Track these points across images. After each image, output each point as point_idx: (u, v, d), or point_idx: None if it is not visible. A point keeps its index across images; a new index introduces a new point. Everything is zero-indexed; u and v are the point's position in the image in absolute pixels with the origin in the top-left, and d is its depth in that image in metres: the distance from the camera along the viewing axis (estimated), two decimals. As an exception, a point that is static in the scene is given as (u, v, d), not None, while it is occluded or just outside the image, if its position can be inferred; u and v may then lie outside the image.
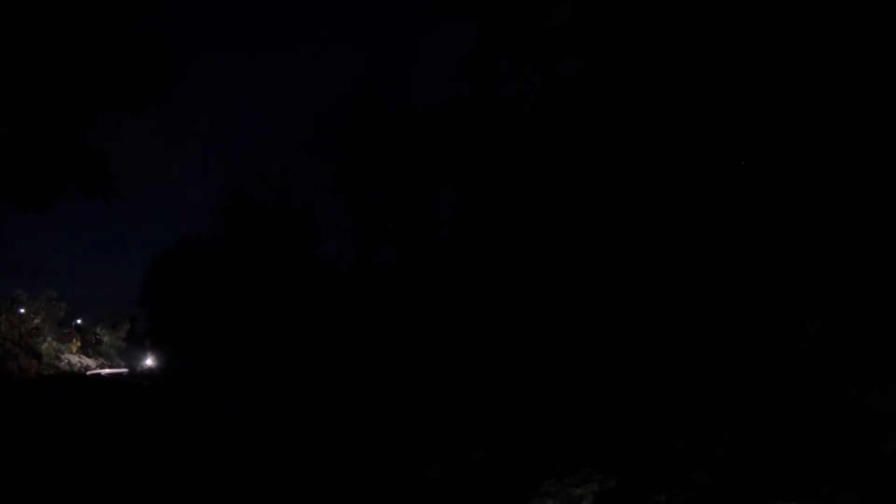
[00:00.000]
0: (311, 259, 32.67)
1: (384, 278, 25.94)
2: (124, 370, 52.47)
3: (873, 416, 8.57)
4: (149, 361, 51.48)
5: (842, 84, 11.02)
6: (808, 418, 9.24)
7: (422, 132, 24.88)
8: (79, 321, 58.78)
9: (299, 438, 16.78)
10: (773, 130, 12.19)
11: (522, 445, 12.25)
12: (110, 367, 56.20)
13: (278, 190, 34.28)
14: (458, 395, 16.15)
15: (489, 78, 20.84)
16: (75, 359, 50.57)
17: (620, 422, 11.58)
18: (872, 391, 8.78)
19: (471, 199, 21.70)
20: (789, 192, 11.31)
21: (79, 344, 53.85)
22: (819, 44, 11.36)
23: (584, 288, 14.98)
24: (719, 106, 13.18)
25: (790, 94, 12.07)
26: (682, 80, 13.98)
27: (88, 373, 46.40)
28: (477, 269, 19.21)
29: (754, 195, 11.94)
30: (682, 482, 9.20)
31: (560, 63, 18.29)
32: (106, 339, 61.19)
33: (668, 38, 14.58)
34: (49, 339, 48.04)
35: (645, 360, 12.39)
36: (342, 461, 13.94)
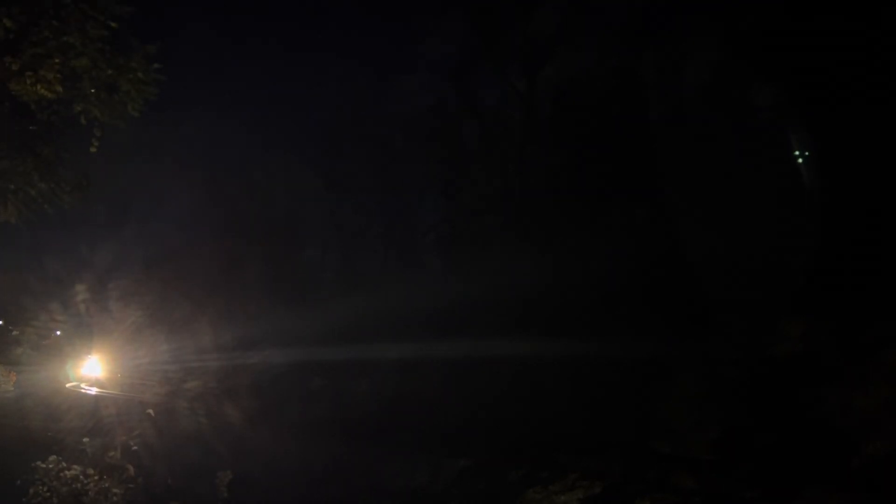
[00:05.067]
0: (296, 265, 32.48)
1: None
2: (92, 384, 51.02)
3: (855, 417, 8.60)
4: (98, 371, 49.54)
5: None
6: (791, 421, 9.26)
7: (407, 137, 24.89)
8: (58, 332, 57.75)
9: (290, 449, 16.56)
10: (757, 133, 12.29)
11: (508, 453, 12.17)
12: (89, 378, 55.18)
13: (263, 196, 34.04)
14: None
15: (474, 83, 20.88)
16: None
17: (605, 427, 11.55)
18: (854, 392, 8.82)
19: (456, 202, 21.70)
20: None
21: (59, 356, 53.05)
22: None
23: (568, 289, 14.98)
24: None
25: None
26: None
27: (68, 385, 45.51)
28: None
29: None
30: (666, 487, 9.17)
31: (544, 68, 18.35)
32: (86, 350, 60.24)
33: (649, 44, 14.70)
34: (28, 350, 47.19)
35: (627, 362, 12.39)
36: (329, 469, 13.80)
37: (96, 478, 9.92)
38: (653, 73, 14.88)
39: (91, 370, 51.87)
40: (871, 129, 9.97)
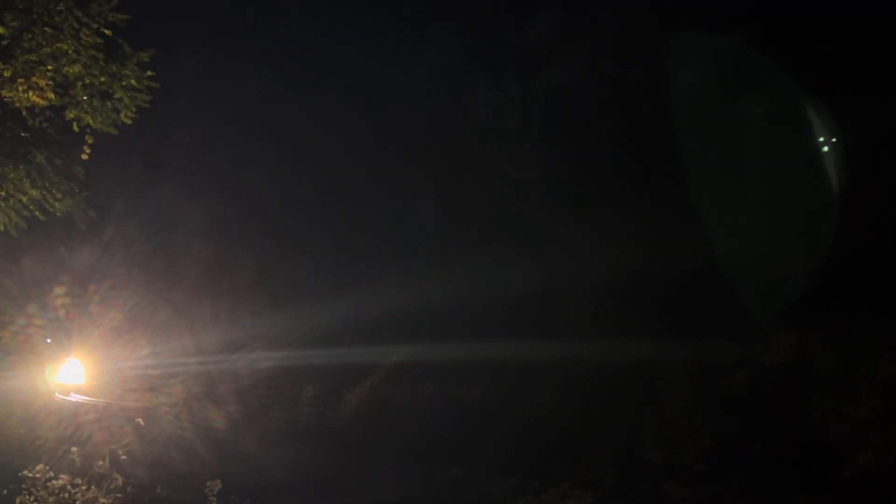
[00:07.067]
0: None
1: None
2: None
3: (846, 428, 8.65)
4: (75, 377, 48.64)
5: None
6: (783, 430, 9.30)
7: (401, 143, 24.87)
8: (48, 340, 57.11)
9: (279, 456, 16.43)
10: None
11: (500, 462, 12.15)
12: (72, 384, 54.46)
13: (253, 199, 33.84)
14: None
15: (468, 90, 20.91)
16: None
17: (597, 436, 11.55)
18: (845, 402, 8.86)
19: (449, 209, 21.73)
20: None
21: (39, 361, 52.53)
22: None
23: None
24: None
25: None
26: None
27: (51, 391, 44.82)
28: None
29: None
30: (658, 496, 9.20)
31: (538, 76, 18.41)
32: (68, 354, 59.65)
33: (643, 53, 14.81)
34: (6, 355, 46.64)
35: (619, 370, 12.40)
36: (319, 477, 13.72)
37: (84, 487, 9.79)
38: (646, 81, 14.98)
39: (73, 376, 51.00)
40: (868, 138, 10.09)
